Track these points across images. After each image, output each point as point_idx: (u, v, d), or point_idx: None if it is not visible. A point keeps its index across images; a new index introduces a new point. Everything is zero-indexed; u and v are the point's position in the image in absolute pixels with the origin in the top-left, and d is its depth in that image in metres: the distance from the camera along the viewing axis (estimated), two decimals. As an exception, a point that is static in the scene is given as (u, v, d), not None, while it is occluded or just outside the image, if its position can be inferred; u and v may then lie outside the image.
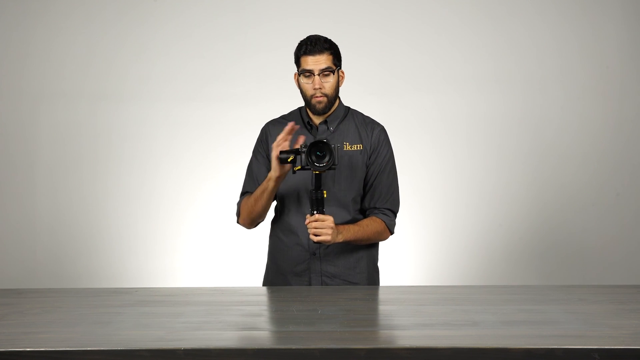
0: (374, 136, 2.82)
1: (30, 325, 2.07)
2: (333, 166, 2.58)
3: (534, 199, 4.67)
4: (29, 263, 4.67)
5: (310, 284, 2.78)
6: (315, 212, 2.60)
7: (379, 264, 2.95)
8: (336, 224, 2.70)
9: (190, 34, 4.67)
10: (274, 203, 2.91)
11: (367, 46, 4.66)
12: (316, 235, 2.60)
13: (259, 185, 2.78)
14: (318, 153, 2.56)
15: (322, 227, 2.59)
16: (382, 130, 2.85)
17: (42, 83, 4.66)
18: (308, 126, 2.82)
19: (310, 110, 2.78)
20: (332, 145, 2.57)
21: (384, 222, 2.81)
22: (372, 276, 2.87)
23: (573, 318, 2.13)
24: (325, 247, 2.77)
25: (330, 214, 2.69)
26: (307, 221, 2.62)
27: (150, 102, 4.66)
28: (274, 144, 2.62)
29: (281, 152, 2.60)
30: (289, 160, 2.58)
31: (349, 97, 4.64)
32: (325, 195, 2.62)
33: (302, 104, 2.86)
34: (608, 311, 2.25)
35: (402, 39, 4.67)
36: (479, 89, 4.66)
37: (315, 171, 2.58)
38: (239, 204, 2.88)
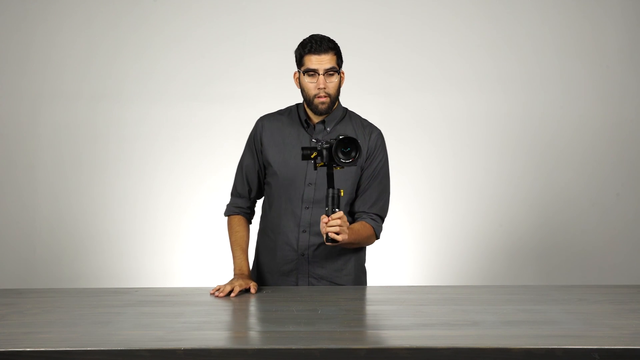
0: (372, 140, 2.79)
1: (30, 325, 2.08)
2: (357, 162, 2.52)
3: (534, 199, 4.68)
4: (29, 263, 4.67)
5: (297, 284, 2.77)
6: (336, 209, 2.52)
7: (367, 265, 2.93)
8: None
9: (190, 34, 4.67)
10: (262, 200, 2.91)
11: (367, 46, 4.66)
12: (337, 234, 2.52)
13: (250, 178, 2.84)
14: (343, 149, 2.50)
15: (342, 225, 2.53)
16: (380, 135, 2.83)
17: (43, 83, 4.66)
18: (305, 124, 2.80)
19: (311, 110, 2.75)
20: (359, 142, 2.52)
21: (373, 227, 2.78)
22: (359, 278, 2.85)
23: (573, 318, 2.14)
24: (314, 248, 2.75)
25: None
26: (326, 219, 2.52)
27: (150, 102, 4.66)
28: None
29: (303, 149, 2.54)
30: (312, 156, 2.54)
31: (349, 97, 4.64)
32: (342, 194, 2.57)
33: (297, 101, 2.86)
34: (608, 311, 2.25)
35: (402, 39, 4.67)
36: (479, 89, 4.66)
37: (336, 167, 2.52)
38: (229, 207, 2.88)
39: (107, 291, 2.62)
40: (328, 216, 2.52)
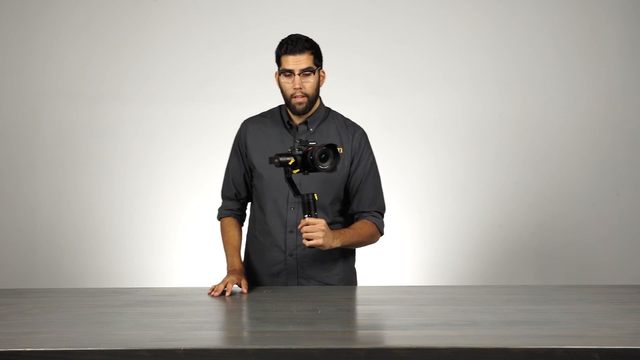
0: (355, 140, 2.78)
1: (30, 325, 2.08)
2: (336, 168, 2.55)
3: (534, 199, 4.67)
4: (29, 263, 4.67)
5: (286, 285, 2.77)
6: (306, 215, 2.56)
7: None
8: None
9: (190, 34, 4.67)
10: (250, 203, 2.92)
11: (367, 47, 4.66)
12: (308, 240, 2.55)
13: (236, 183, 2.85)
14: (323, 155, 2.52)
15: (312, 230, 2.54)
16: (363, 134, 2.82)
17: (43, 83, 4.66)
18: (288, 126, 2.79)
19: (290, 110, 2.75)
20: (338, 148, 2.55)
21: (375, 224, 2.78)
22: (349, 278, 2.85)
23: (573, 318, 2.14)
24: (302, 248, 2.75)
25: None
26: (299, 225, 2.58)
27: (150, 102, 4.66)
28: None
29: (279, 155, 2.55)
30: (290, 162, 2.55)
31: (350, 97, 4.65)
32: (316, 198, 2.58)
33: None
34: (608, 311, 2.25)
35: (402, 40, 4.67)
36: (479, 89, 4.66)
37: (304, 173, 2.55)
38: (220, 210, 2.90)
39: (107, 291, 2.62)
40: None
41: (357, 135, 2.80)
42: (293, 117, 2.78)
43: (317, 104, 2.80)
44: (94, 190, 4.67)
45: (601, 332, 1.97)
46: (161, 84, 4.66)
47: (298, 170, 2.55)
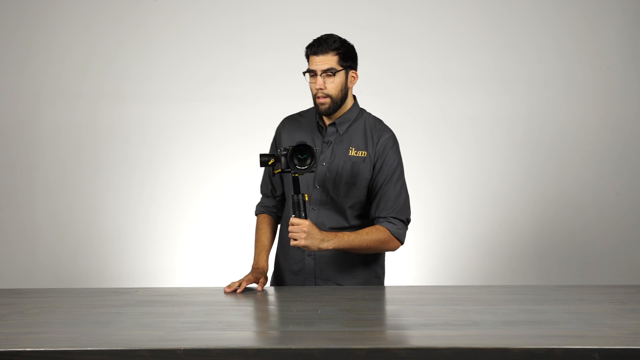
0: (380, 144, 2.75)
1: (30, 325, 2.08)
2: (312, 169, 2.55)
3: (534, 199, 4.68)
4: (29, 263, 4.67)
5: (304, 284, 2.78)
6: (293, 215, 2.57)
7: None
8: (332, 229, 2.69)
9: (190, 34, 4.67)
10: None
11: (367, 47, 4.63)
12: (294, 240, 2.56)
13: (272, 184, 2.87)
14: (299, 156, 2.53)
15: (295, 231, 2.55)
16: (390, 137, 2.78)
17: (42, 83, 4.66)
18: (319, 127, 2.79)
19: (316, 110, 2.75)
20: (315, 149, 2.56)
21: (389, 230, 2.71)
22: (371, 283, 2.81)
23: (573, 318, 2.14)
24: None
25: (326, 219, 2.71)
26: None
27: (150, 103, 4.66)
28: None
29: (261, 155, 2.58)
30: (269, 163, 2.57)
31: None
32: (307, 199, 2.58)
33: None
34: (608, 311, 2.25)
35: (402, 40, 4.67)
36: (478, 89, 4.66)
37: (294, 174, 2.56)
38: (257, 206, 2.93)
39: (107, 291, 2.62)
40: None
41: (382, 139, 2.76)
42: (324, 117, 2.77)
43: (349, 105, 2.77)
44: (93, 191, 4.67)
45: (601, 332, 1.97)
46: (161, 84, 4.66)
47: (280, 170, 2.57)
